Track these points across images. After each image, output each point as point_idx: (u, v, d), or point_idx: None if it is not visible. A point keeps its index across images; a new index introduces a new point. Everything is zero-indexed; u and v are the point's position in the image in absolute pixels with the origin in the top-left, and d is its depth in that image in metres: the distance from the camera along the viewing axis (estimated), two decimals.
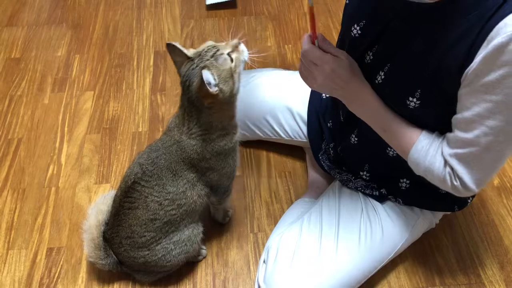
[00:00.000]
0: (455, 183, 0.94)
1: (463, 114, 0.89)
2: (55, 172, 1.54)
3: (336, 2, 2.19)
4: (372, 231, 1.18)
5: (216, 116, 1.10)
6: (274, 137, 1.49)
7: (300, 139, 1.46)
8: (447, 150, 0.94)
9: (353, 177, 1.26)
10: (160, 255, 1.17)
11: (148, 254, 1.17)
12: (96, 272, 1.30)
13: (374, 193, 1.22)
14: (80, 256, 1.34)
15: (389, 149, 1.10)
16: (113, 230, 1.17)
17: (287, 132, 1.46)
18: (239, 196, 1.49)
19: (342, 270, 1.14)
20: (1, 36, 2.02)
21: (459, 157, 0.92)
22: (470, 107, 0.87)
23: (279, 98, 1.44)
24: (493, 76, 0.81)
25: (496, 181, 1.53)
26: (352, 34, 1.05)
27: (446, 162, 0.95)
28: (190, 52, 1.08)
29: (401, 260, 1.33)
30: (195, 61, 1.05)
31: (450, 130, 0.94)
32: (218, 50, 1.06)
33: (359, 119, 1.06)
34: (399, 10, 0.94)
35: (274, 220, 1.42)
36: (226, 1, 2.14)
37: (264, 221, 1.43)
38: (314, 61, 0.97)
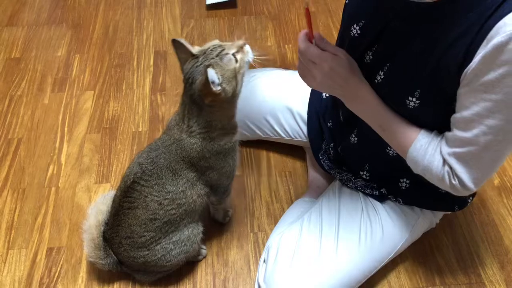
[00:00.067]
0: (453, 182, 0.94)
1: (462, 113, 0.89)
2: (55, 172, 1.54)
3: (336, 1, 2.19)
4: (372, 230, 1.18)
5: (216, 115, 1.10)
6: (274, 137, 1.49)
7: (300, 139, 1.46)
8: (446, 149, 0.94)
9: (353, 177, 1.26)
10: (160, 255, 1.17)
11: (148, 254, 1.17)
12: (96, 272, 1.30)
13: (374, 192, 1.22)
14: (80, 256, 1.34)
15: (389, 148, 1.10)
16: (113, 230, 1.17)
17: (287, 132, 1.46)
18: (239, 196, 1.49)
19: (342, 270, 1.14)
20: (1, 36, 2.02)
21: (458, 156, 0.92)
22: (469, 107, 0.87)
23: (279, 97, 1.44)
24: (492, 75, 0.81)
25: (496, 181, 1.53)
26: (352, 34, 1.05)
27: (444, 161, 0.95)
28: (195, 49, 1.08)
29: (402, 260, 1.33)
30: (200, 59, 1.05)
31: (450, 129, 0.94)
32: (223, 50, 1.06)
33: (359, 119, 1.06)
34: (399, 10, 0.94)
35: (274, 219, 1.42)
36: (226, 1, 2.14)
37: (264, 221, 1.43)
38: (313, 59, 0.97)
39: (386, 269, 1.29)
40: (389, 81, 0.99)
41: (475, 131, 0.88)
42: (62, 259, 1.34)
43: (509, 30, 0.77)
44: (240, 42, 1.09)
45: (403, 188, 1.18)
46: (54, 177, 1.53)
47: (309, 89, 1.39)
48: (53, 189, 1.50)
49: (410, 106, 0.96)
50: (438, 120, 0.97)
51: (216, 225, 1.40)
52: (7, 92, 1.79)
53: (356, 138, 1.17)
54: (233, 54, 1.06)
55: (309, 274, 1.12)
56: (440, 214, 1.28)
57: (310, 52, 0.97)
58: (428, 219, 1.24)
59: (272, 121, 1.45)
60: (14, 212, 1.44)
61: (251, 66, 1.12)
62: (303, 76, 1.03)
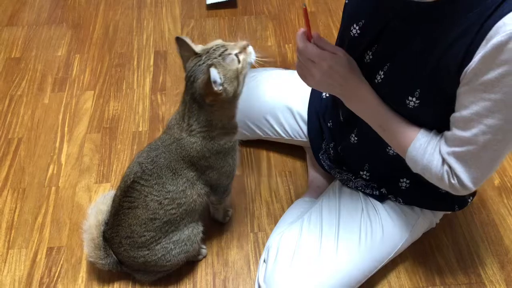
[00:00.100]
0: (452, 181, 0.94)
1: (462, 112, 0.89)
2: (55, 171, 1.54)
3: (336, 1, 2.19)
4: (373, 230, 1.17)
5: (216, 115, 1.09)
6: (274, 137, 1.49)
7: (300, 139, 1.46)
8: (445, 149, 0.94)
9: (353, 177, 1.26)
10: (160, 255, 1.17)
11: (148, 253, 1.17)
12: (96, 271, 1.30)
13: (374, 192, 1.22)
14: (80, 256, 1.34)
15: (389, 148, 1.10)
16: (113, 230, 1.17)
17: (287, 132, 1.46)
18: (239, 196, 1.48)
19: (342, 270, 1.14)
20: (1, 36, 2.02)
21: (457, 156, 0.92)
22: (469, 106, 0.87)
23: (279, 97, 1.44)
24: (492, 74, 0.81)
25: (496, 181, 1.52)
26: (351, 34, 1.05)
27: (444, 161, 0.95)
28: (198, 48, 1.07)
29: (402, 260, 1.33)
30: (202, 58, 1.05)
31: (449, 129, 0.94)
32: (226, 50, 1.06)
33: (358, 119, 1.06)
34: (399, 9, 0.94)
35: (274, 219, 1.42)
36: (226, 1, 2.14)
37: (264, 221, 1.43)
38: (312, 58, 0.97)
39: (386, 269, 1.29)
40: (389, 81, 0.99)
41: (474, 131, 0.88)
42: (62, 259, 1.34)
43: (509, 29, 0.77)
44: (244, 42, 1.09)
45: (403, 188, 1.18)
46: (54, 176, 1.53)
47: (309, 89, 1.39)
48: (53, 188, 1.50)
49: (410, 106, 0.96)
50: (438, 120, 0.96)
51: (216, 225, 1.40)
52: (7, 91, 1.79)
53: (356, 138, 1.17)
54: (236, 55, 1.06)
55: (309, 274, 1.12)
56: (440, 214, 1.28)
57: (309, 51, 0.97)
58: (428, 219, 1.24)
59: (272, 121, 1.45)
60: (14, 211, 1.44)
61: (252, 67, 1.12)
62: (302, 75, 1.03)
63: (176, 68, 1.88)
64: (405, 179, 1.17)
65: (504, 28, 0.78)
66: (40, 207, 1.45)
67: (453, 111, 0.92)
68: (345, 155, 1.26)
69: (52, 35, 2.03)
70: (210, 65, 1.02)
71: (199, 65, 1.05)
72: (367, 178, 1.23)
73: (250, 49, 1.10)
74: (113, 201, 1.19)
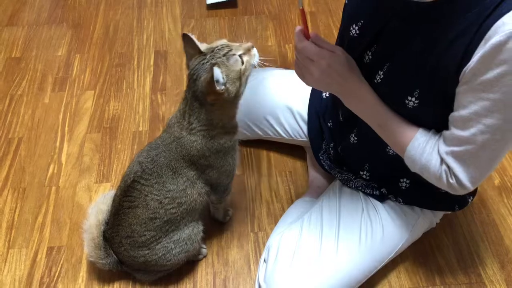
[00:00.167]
0: (450, 181, 0.94)
1: (460, 112, 0.89)
2: (55, 171, 1.54)
3: (336, 1, 2.19)
4: (373, 230, 1.17)
5: (217, 114, 1.10)
6: (275, 137, 1.49)
7: (300, 139, 1.46)
8: (444, 148, 0.94)
9: (354, 177, 1.26)
10: (160, 254, 1.17)
11: (148, 253, 1.17)
12: (96, 271, 1.30)
13: (374, 192, 1.22)
14: (80, 256, 1.34)
15: (388, 148, 1.10)
16: (113, 230, 1.17)
17: (287, 132, 1.46)
18: (240, 195, 1.49)
19: (342, 270, 1.14)
20: (1, 36, 2.02)
21: (455, 155, 0.92)
22: (467, 105, 0.87)
23: (279, 97, 1.44)
24: (491, 74, 0.81)
25: (496, 181, 1.52)
26: (351, 34, 1.05)
27: (442, 160, 0.95)
28: (203, 46, 1.08)
29: (402, 260, 1.33)
30: (207, 56, 1.05)
31: (448, 129, 0.94)
32: (230, 50, 1.06)
33: (358, 119, 1.06)
34: (399, 10, 0.94)
35: (274, 219, 1.42)
36: (226, 1, 2.14)
37: (264, 220, 1.43)
38: (311, 57, 0.97)
39: (386, 269, 1.29)
40: (388, 81, 0.99)
41: (472, 130, 0.88)
42: (63, 258, 1.34)
43: (508, 29, 0.77)
44: (248, 44, 1.09)
45: (403, 188, 1.18)
46: (55, 176, 1.53)
47: (309, 89, 1.39)
48: (53, 188, 1.50)
49: (410, 106, 0.96)
50: (437, 120, 0.96)
51: (217, 225, 1.41)
52: (8, 91, 1.79)
53: (356, 138, 1.17)
54: (240, 56, 1.06)
55: (309, 274, 1.12)
56: (440, 214, 1.28)
57: (308, 49, 0.97)
58: (428, 219, 1.24)
59: (272, 121, 1.45)
60: (15, 211, 1.44)
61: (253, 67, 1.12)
62: (300, 73, 1.03)
63: (176, 68, 1.88)
64: (405, 179, 1.17)
65: (503, 28, 0.78)
66: (40, 206, 1.45)
67: (452, 111, 0.92)
68: (345, 155, 1.26)
69: (52, 35, 2.03)
70: (213, 64, 1.03)
71: (203, 64, 1.05)
72: (367, 178, 1.23)
73: (254, 51, 1.10)
74: (113, 200, 1.19)
